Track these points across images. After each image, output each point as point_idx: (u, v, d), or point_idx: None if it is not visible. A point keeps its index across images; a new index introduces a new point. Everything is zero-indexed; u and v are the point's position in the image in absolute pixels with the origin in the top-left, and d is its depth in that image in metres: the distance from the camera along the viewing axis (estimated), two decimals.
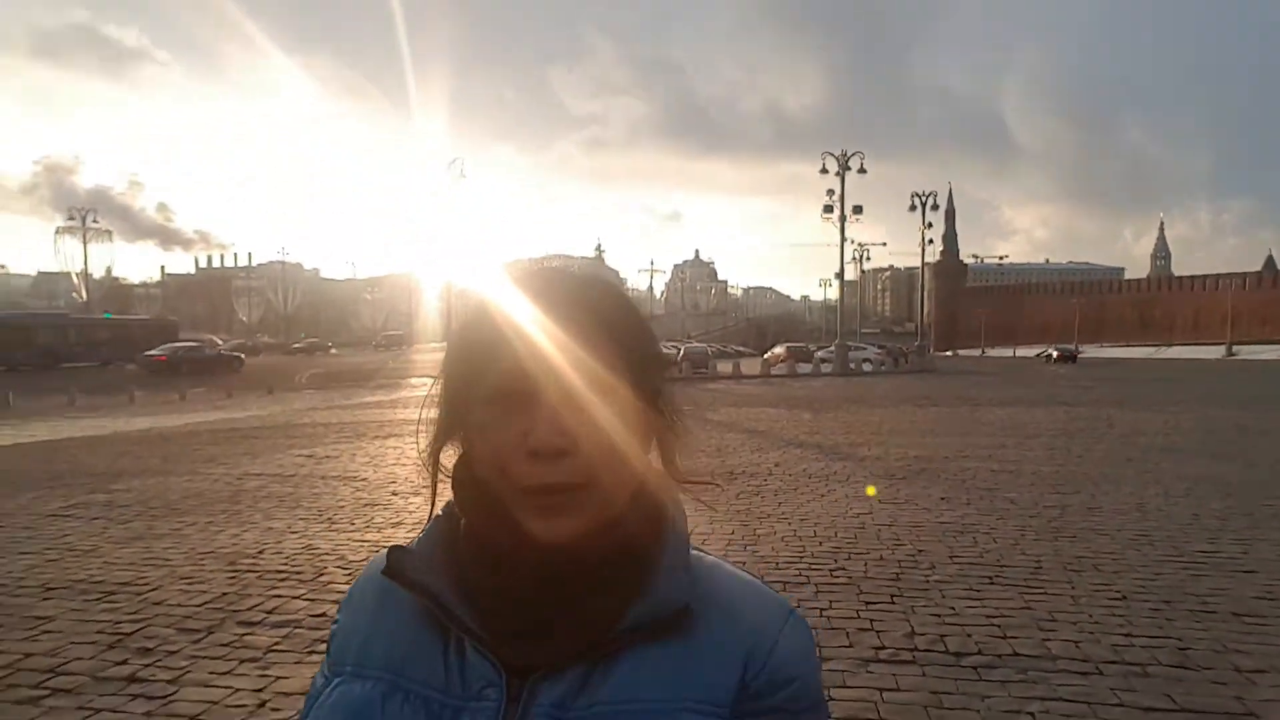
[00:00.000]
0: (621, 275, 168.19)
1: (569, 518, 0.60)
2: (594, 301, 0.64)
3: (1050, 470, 8.58)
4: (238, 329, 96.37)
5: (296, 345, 67.64)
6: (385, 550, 0.69)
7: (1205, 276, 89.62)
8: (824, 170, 35.49)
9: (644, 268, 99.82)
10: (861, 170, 35.60)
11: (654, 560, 0.65)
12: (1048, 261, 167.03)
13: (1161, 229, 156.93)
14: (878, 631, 3.88)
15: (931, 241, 45.79)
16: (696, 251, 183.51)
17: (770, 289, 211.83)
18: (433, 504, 0.70)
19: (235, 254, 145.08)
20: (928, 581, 4.67)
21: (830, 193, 35.77)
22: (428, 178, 33.49)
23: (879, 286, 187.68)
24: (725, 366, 34.98)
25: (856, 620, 4.05)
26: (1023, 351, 75.00)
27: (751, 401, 19.24)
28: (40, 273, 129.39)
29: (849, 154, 35.47)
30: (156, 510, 6.72)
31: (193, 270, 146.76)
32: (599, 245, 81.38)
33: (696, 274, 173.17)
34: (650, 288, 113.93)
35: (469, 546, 0.66)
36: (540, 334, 0.61)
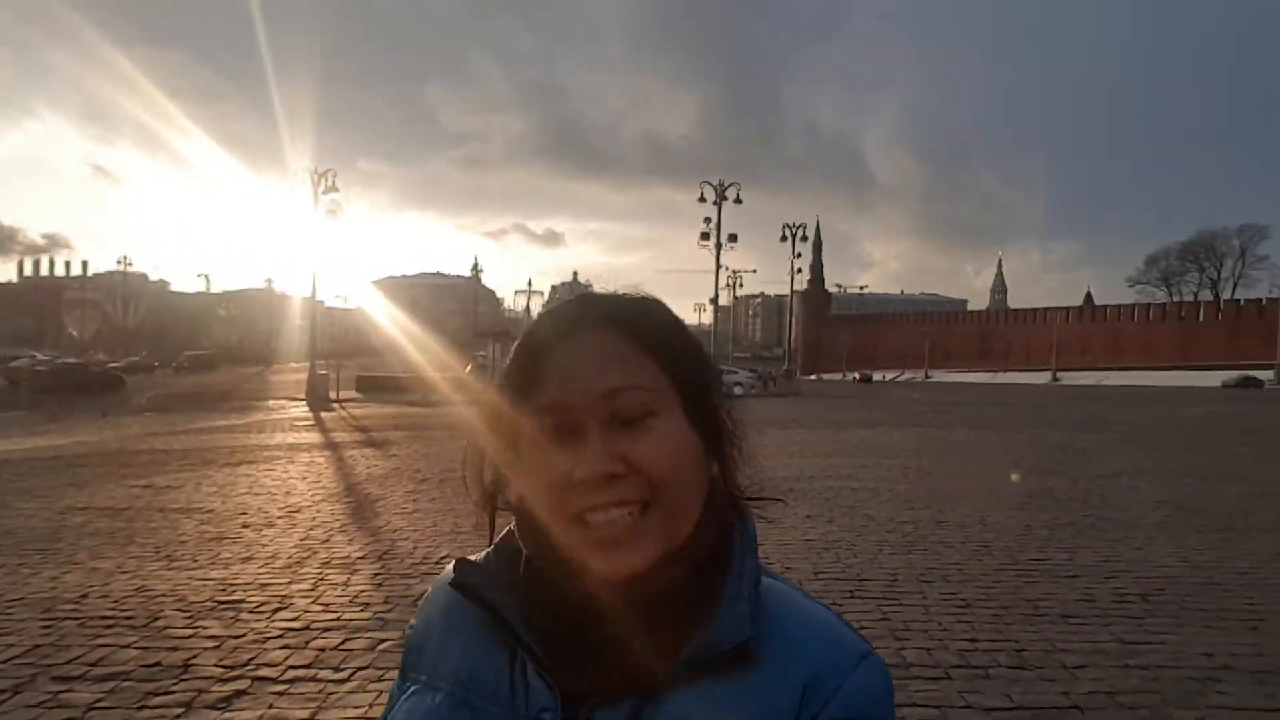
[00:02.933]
0: (498, 296, 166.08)
1: (630, 551, 0.58)
2: (630, 322, 0.63)
3: (905, 488, 9.13)
4: (68, 345, 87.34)
5: (114, 365, 52.95)
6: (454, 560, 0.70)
7: (1035, 309, 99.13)
8: (702, 199, 36.65)
9: (521, 289, 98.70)
10: (738, 200, 36.99)
11: (718, 589, 0.62)
12: (902, 292, 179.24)
13: (1000, 265, 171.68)
14: None
15: (800, 271, 48.19)
16: (575, 274, 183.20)
17: None
18: (490, 539, 0.70)
19: (68, 262, 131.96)
20: None
21: (707, 220, 36.94)
22: (293, 189, 31.65)
23: (750, 313, 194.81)
24: None
25: None
26: (879, 376, 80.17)
27: None
28: None
29: (726, 184, 36.81)
30: None
31: (14, 279, 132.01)
32: (475, 264, 79.75)
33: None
34: (527, 309, 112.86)
35: (529, 574, 0.65)
36: (575, 363, 0.61)
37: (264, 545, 6.07)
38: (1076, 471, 10.71)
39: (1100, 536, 6.56)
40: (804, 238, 44.97)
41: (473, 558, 0.69)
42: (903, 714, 3.22)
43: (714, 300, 41.73)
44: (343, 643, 3.97)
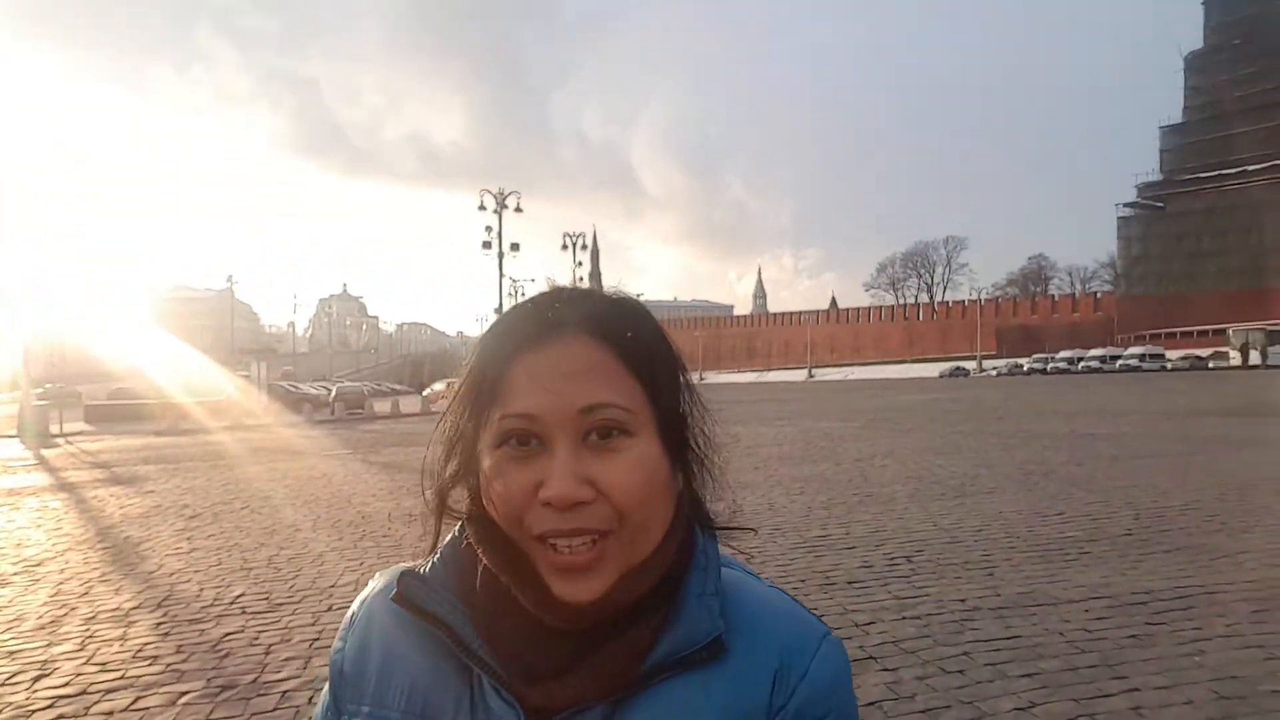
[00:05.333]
0: (255, 310, 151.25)
1: (594, 577, 0.56)
2: (614, 331, 0.59)
3: None
4: None
5: None
6: (392, 571, 0.65)
7: (791, 313, 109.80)
8: (482, 207, 36.08)
9: (286, 302, 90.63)
10: (518, 209, 36.95)
11: (683, 584, 0.60)
12: (675, 299, 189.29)
13: (759, 272, 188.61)
14: None
15: (582, 279, 49.09)
16: (344, 285, 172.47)
17: (425, 325, 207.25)
18: (433, 547, 0.66)
19: None
20: None
21: (489, 229, 36.47)
22: None
23: None
24: (383, 406, 33.48)
25: None
26: None
27: (415, 440, 18.66)
28: None
29: (506, 192, 36.59)
30: None
31: None
32: (230, 277, 71.89)
33: (345, 309, 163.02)
34: (292, 325, 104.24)
35: (486, 585, 0.61)
36: (552, 371, 0.56)
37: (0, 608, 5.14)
38: (840, 456, 12.08)
39: (867, 510, 7.51)
40: (584, 246, 45.97)
41: (416, 569, 0.64)
42: None
43: (498, 310, 41.37)
44: (134, 702, 3.52)
